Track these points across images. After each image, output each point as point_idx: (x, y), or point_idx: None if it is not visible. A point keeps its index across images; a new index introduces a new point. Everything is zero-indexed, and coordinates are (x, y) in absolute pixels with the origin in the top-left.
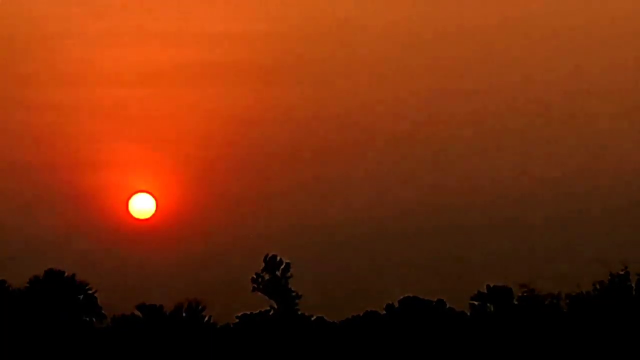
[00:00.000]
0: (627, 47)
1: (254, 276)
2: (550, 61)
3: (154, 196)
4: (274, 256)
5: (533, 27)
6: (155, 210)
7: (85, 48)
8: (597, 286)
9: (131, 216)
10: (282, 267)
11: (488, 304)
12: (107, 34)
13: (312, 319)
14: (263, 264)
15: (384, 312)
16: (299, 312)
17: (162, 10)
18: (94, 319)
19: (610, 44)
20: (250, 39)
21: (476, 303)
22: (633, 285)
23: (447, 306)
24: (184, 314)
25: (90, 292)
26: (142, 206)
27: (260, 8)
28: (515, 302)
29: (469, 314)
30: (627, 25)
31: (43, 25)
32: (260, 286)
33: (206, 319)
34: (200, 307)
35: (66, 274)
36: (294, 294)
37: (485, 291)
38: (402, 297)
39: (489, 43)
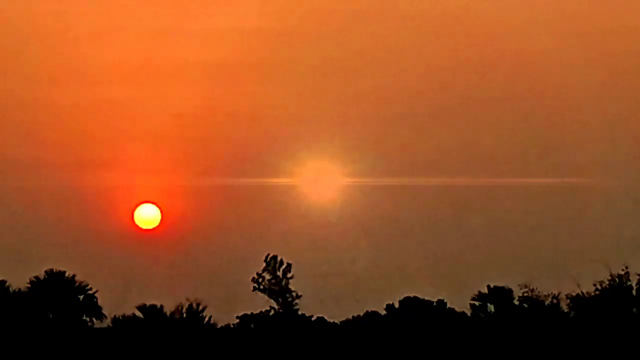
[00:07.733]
0: None
1: (254, 276)
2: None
3: (158, 206)
4: (275, 256)
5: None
6: (161, 219)
7: (84, 47)
8: (597, 286)
9: (136, 225)
10: (283, 267)
11: (488, 304)
12: (108, 32)
13: (312, 319)
14: (263, 264)
15: (384, 312)
16: (299, 312)
17: (163, 9)
18: (94, 319)
19: None
20: (256, 36)
21: (476, 303)
22: (633, 285)
23: (448, 306)
24: (184, 314)
25: (90, 292)
26: (147, 215)
27: (261, 6)
28: (516, 302)
29: (469, 314)
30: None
31: (42, 24)
32: (261, 286)
33: (206, 319)
34: (200, 307)
35: (67, 275)
36: (294, 293)
37: (486, 291)
38: (402, 297)
39: (482, 41)
